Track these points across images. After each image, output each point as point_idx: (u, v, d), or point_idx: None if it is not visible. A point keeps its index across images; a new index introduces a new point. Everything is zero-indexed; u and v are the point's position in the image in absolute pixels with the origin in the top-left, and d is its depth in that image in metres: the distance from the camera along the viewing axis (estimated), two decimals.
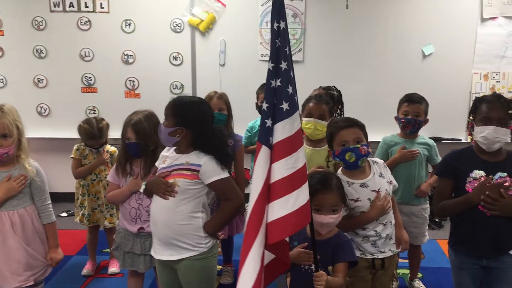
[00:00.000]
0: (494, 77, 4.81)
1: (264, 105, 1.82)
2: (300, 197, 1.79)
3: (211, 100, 3.11)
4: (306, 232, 2.08)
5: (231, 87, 4.76)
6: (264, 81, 3.80)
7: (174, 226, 2.21)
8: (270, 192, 1.79)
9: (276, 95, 1.81)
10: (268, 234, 1.78)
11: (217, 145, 2.26)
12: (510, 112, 2.23)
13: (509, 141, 2.28)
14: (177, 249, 2.23)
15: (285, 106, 1.80)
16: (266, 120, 1.82)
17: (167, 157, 2.30)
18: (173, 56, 4.91)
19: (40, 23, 4.87)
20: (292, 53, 4.73)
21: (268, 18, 4.78)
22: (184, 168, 2.21)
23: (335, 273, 2.05)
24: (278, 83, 1.80)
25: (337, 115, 3.38)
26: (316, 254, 1.97)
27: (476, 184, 2.24)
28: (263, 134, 1.83)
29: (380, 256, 2.37)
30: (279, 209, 1.77)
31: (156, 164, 2.37)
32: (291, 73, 1.83)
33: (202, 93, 3.33)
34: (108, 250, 3.72)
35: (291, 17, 4.78)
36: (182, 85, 4.96)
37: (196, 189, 2.21)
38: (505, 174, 2.22)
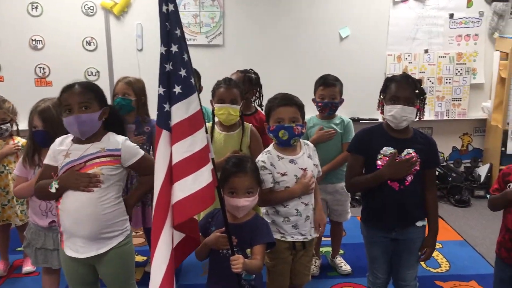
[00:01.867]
0: (406, 58, 5.02)
1: (160, 90, 1.84)
2: (198, 179, 1.81)
3: (116, 85, 3.08)
4: (222, 217, 2.06)
5: (151, 73, 4.58)
6: None
7: (102, 217, 2.11)
8: (173, 174, 1.82)
9: (169, 79, 1.83)
10: (174, 215, 1.82)
11: (122, 124, 2.27)
12: (417, 91, 2.33)
13: (416, 119, 2.38)
14: (105, 241, 2.15)
15: (177, 89, 1.83)
16: (164, 105, 1.84)
17: (67, 150, 2.13)
18: (86, 41, 4.67)
19: None
20: (212, 37, 4.76)
21: (186, 1, 4.68)
22: (101, 155, 2.12)
23: (253, 256, 2.07)
24: (170, 67, 1.82)
25: (256, 98, 3.38)
26: (231, 237, 1.97)
27: (386, 160, 2.32)
28: (162, 119, 1.85)
29: (301, 239, 2.42)
30: (178, 192, 1.80)
31: (49, 161, 2.17)
32: (184, 56, 1.84)
33: None
34: (21, 248, 3.50)
35: (209, 0, 4.69)
36: (97, 71, 4.74)
37: (117, 174, 2.16)
38: (413, 150, 2.32)
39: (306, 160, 2.44)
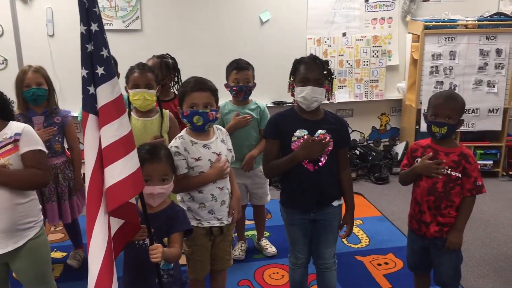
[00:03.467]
0: (326, 42, 5.12)
1: (83, 72, 1.72)
2: (127, 165, 1.74)
3: (25, 75, 2.87)
4: (138, 207, 2.00)
5: (64, 59, 4.43)
6: None
7: (16, 208, 2.03)
8: (103, 158, 1.74)
9: (91, 60, 1.72)
10: (107, 201, 1.74)
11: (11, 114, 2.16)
12: (325, 72, 2.37)
13: (326, 100, 2.43)
14: (22, 232, 2.07)
15: (100, 70, 1.72)
16: (89, 88, 1.73)
17: None
18: None
19: None
20: (130, 21, 4.60)
21: None
22: (4, 144, 2.03)
23: (171, 244, 2.03)
24: (92, 47, 1.70)
25: (174, 83, 3.31)
26: (149, 227, 1.91)
27: (300, 143, 2.35)
28: (88, 103, 1.74)
29: (217, 224, 2.41)
30: (109, 177, 1.72)
31: None
32: (105, 36, 1.74)
33: None
34: None
35: None
36: (5, 59, 4.45)
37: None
38: (324, 131, 2.37)
39: (220, 144, 2.43)
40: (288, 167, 2.39)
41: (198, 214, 2.37)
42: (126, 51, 4.14)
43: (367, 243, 3.66)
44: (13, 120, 2.17)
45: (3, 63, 4.44)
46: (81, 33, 1.70)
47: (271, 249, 3.47)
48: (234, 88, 3.12)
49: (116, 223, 1.85)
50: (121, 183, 1.71)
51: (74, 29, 4.50)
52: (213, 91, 2.37)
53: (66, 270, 3.26)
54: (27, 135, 2.09)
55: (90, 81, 1.73)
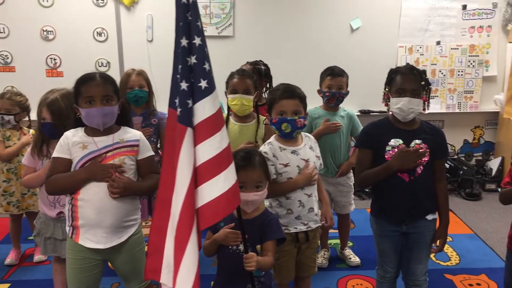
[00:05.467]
0: (418, 50, 4.97)
1: (183, 85, 1.69)
2: (228, 178, 1.73)
3: (129, 78, 3.04)
4: (233, 212, 2.05)
5: (161, 64, 4.64)
6: None
7: (124, 206, 2.14)
8: (197, 175, 1.70)
9: (193, 73, 1.70)
10: (200, 219, 1.70)
11: (128, 116, 2.29)
12: (422, 83, 2.30)
13: (422, 111, 2.35)
14: (125, 229, 2.18)
15: (203, 83, 1.70)
16: (188, 101, 1.70)
17: (83, 142, 2.12)
18: (97, 32, 4.68)
19: None
20: (222, 28, 4.75)
21: None
22: (121, 146, 2.14)
23: (264, 252, 2.03)
24: (194, 60, 1.69)
25: (266, 89, 3.37)
26: (244, 234, 1.92)
27: (394, 152, 2.30)
28: (185, 116, 1.70)
29: (303, 229, 2.41)
30: (209, 192, 1.69)
31: (60, 154, 2.12)
32: (206, 49, 1.73)
33: None
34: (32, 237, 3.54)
35: None
36: (108, 62, 4.75)
37: (135, 165, 2.19)
38: (420, 141, 2.30)
39: (308, 151, 2.43)
40: (381, 177, 2.35)
41: (285, 220, 2.39)
42: (218, 57, 4.26)
43: (457, 261, 3.48)
44: (131, 127, 2.28)
45: (106, 66, 4.75)
46: (183, 46, 1.69)
47: (354, 259, 3.42)
48: (327, 93, 3.12)
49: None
50: (216, 200, 1.69)
51: (171, 36, 4.80)
52: (302, 99, 2.37)
53: None
54: (143, 142, 2.21)
55: (189, 94, 1.70)
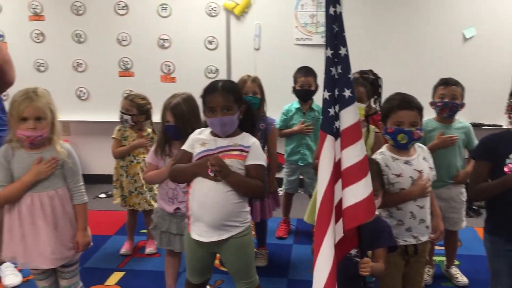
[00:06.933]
0: None
1: (326, 94, 1.79)
2: (367, 185, 1.80)
3: (245, 84, 3.16)
4: None
5: (266, 71, 4.75)
6: (300, 65, 3.83)
7: (226, 207, 2.23)
8: (342, 179, 1.81)
9: (337, 83, 1.79)
10: (346, 220, 1.80)
11: (254, 120, 2.36)
12: None
13: None
14: (227, 228, 2.27)
15: (347, 93, 1.79)
16: (329, 109, 1.79)
17: (204, 139, 2.30)
18: (208, 40, 4.93)
19: (79, 8, 4.97)
20: None
21: (304, 1, 4.74)
22: (233, 149, 2.25)
23: (375, 259, 2.05)
24: (339, 70, 1.77)
25: (374, 99, 3.34)
26: (361, 240, 1.95)
27: None
28: (327, 123, 1.81)
29: (413, 242, 2.36)
30: (350, 196, 1.79)
31: (187, 148, 2.33)
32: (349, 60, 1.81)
33: (236, 77, 3.37)
34: (145, 231, 3.81)
35: None
36: (217, 69, 4.98)
37: (243, 169, 2.26)
38: None
39: (422, 162, 2.38)
40: (498, 191, 2.23)
41: (394, 231, 2.35)
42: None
43: None
44: (255, 136, 2.37)
45: (214, 72, 4.98)
46: (327, 56, 1.76)
47: (462, 278, 3.25)
48: (439, 103, 3.01)
49: (337, 236, 1.88)
50: (362, 203, 1.77)
51: (277, 44, 4.91)
52: (419, 110, 2.33)
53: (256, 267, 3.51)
54: (255, 149, 2.28)
55: (331, 103, 1.79)
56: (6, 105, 2.78)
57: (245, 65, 4.81)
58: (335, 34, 1.76)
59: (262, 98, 3.24)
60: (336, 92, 1.79)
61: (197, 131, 2.37)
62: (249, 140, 2.30)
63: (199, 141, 2.30)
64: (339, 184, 1.82)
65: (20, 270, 3.28)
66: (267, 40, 4.88)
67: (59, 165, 2.39)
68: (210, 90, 2.27)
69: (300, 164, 3.86)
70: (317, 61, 4.25)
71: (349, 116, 1.79)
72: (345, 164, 1.79)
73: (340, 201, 1.82)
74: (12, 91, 3.26)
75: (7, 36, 3.24)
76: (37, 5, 5.00)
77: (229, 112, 2.22)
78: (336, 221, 1.82)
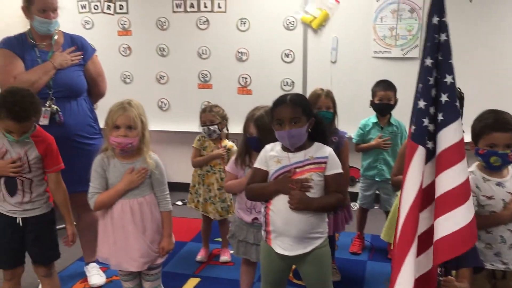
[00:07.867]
0: None
1: (421, 103, 1.75)
2: (470, 209, 1.71)
3: (319, 98, 3.17)
4: None
5: (342, 84, 4.75)
6: (377, 79, 3.78)
7: (309, 219, 2.27)
8: (438, 205, 1.71)
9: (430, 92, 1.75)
10: (437, 252, 1.70)
11: (325, 134, 2.37)
12: None
13: None
14: (310, 241, 2.30)
15: (444, 97, 1.73)
16: (423, 119, 1.75)
17: (278, 156, 2.32)
18: (285, 54, 4.98)
19: (164, 23, 5.22)
20: (408, 49, 4.68)
21: (383, 14, 4.68)
22: (310, 162, 2.27)
23: (460, 278, 1.98)
24: (451, 80, 1.74)
25: None
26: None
27: None
28: (420, 134, 1.76)
29: (502, 268, 2.24)
30: (450, 224, 1.68)
31: (260, 166, 2.36)
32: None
33: (311, 90, 3.36)
34: (219, 239, 3.90)
35: (407, 12, 4.62)
36: (292, 82, 5.02)
37: (323, 181, 2.28)
38: None
39: None
40: None
41: (482, 254, 2.24)
42: (404, 79, 4.20)
43: None
44: (326, 142, 2.39)
45: (290, 85, 5.02)
46: (426, 66, 1.74)
47: None
48: None
49: (423, 268, 1.80)
50: (463, 229, 1.66)
51: (354, 57, 4.85)
52: None
53: None
54: (332, 159, 2.30)
55: (426, 113, 1.74)
56: None
57: (320, 78, 4.81)
58: (437, 43, 1.74)
59: (334, 112, 3.23)
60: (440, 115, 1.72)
61: (268, 147, 2.39)
62: (324, 150, 2.31)
63: (273, 158, 2.33)
64: (427, 212, 1.73)
65: (104, 271, 3.48)
66: (344, 53, 4.85)
67: (147, 175, 2.53)
68: (279, 103, 2.30)
69: (377, 179, 3.80)
70: (395, 75, 4.20)
71: (450, 135, 1.70)
72: (445, 188, 1.68)
73: (428, 231, 1.73)
74: (101, 102, 3.53)
75: (98, 50, 3.46)
76: (125, 21, 5.31)
77: (297, 125, 2.23)
78: (420, 252, 1.73)
